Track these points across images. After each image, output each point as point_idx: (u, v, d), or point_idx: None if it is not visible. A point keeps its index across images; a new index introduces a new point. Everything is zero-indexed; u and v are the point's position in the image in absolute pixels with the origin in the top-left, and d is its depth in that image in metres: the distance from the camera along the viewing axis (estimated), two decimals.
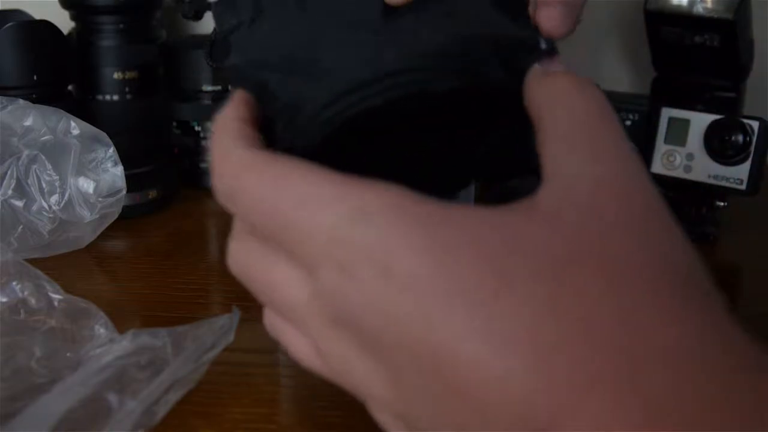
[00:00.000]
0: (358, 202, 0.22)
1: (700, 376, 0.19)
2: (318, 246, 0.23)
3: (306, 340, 0.25)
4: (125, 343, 0.35)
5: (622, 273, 0.21)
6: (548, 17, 0.29)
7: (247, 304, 0.47)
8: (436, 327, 0.20)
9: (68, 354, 0.35)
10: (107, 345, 0.36)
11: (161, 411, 0.33)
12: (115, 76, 0.62)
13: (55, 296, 0.38)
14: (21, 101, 0.50)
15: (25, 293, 0.38)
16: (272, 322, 0.27)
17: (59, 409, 0.30)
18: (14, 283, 0.38)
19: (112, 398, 0.32)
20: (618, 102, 0.60)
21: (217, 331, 0.36)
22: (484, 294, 0.20)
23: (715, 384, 0.19)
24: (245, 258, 0.26)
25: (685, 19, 0.56)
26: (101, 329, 0.37)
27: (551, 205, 0.22)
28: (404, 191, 0.22)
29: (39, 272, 0.39)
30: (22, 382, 0.33)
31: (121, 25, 0.61)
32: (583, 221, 0.22)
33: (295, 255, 0.24)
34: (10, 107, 0.49)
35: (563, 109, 0.25)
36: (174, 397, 0.34)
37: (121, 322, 0.45)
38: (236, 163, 0.25)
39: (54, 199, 0.48)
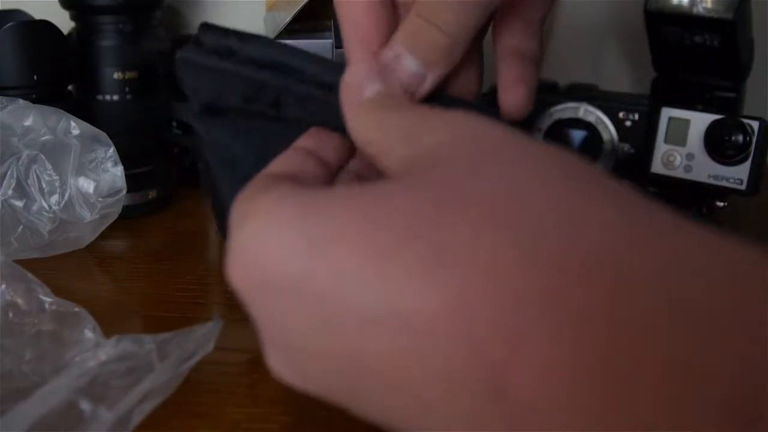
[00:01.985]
0: (245, 204, 0.24)
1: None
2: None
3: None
4: (109, 349, 0.34)
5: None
6: (513, 101, 0.31)
7: None
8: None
9: (55, 358, 0.35)
10: (92, 350, 0.35)
11: (135, 419, 0.33)
12: (115, 76, 0.62)
13: (46, 299, 0.38)
14: (21, 101, 0.49)
15: (15, 296, 0.37)
16: None
17: (33, 414, 0.30)
18: (3, 286, 0.37)
19: (86, 406, 0.31)
20: (618, 102, 0.60)
21: (198, 339, 0.35)
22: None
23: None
24: None
25: (685, 19, 0.56)
26: (90, 333, 0.36)
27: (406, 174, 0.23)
28: (290, 188, 0.24)
29: (29, 275, 0.38)
30: (10, 384, 0.33)
31: (121, 25, 0.61)
32: (445, 172, 0.22)
33: None
34: (10, 107, 0.49)
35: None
36: (150, 405, 0.33)
37: (121, 322, 0.45)
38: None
39: (54, 199, 0.48)
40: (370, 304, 0.20)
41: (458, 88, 0.32)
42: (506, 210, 0.20)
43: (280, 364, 0.25)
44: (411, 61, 0.28)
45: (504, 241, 0.19)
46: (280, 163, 0.28)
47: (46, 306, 0.37)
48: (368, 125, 0.27)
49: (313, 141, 0.30)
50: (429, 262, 0.20)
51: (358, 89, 0.28)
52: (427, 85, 0.29)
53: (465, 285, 0.19)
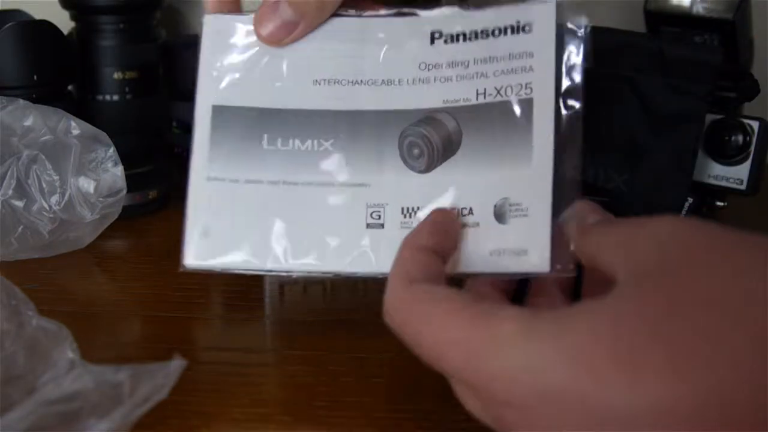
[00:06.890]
0: (489, 332, 0.26)
1: None
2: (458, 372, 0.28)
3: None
4: (81, 377, 0.33)
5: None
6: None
7: (248, 303, 0.47)
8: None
9: (26, 382, 0.34)
10: (64, 376, 0.34)
11: None
12: (115, 76, 0.62)
13: (29, 318, 0.36)
14: (21, 101, 0.49)
15: None
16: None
17: None
18: None
19: None
20: None
21: (159, 381, 0.33)
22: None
23: None
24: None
25: (685, 19, 0.56)
26: (69, 354, 0.35)
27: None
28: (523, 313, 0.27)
29: (16, 289, 0.37)
30: None
31: (121, 25, 0.61)
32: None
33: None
34: (10, 107, 0.49)
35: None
36: None
37: (120, 322, 0.45)
38: (411, 296, 0.30)
39: (54, 199, 0.48)
40: (627, 404, 0.23)
41: None
42: (740, 309, 0.23)
43: None
44: (287, 10, 0.36)
45: (742, 339, 0.22)
46: (421, 267, 0.32)
47: (25, 325, 0.36)
48: (590, 249, 0.31)
49: (435, 239, 0.33)
50: (678, 364, 0.23)
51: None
52: (298, 33, 0.36)
53: (717, 382, 0.22)
